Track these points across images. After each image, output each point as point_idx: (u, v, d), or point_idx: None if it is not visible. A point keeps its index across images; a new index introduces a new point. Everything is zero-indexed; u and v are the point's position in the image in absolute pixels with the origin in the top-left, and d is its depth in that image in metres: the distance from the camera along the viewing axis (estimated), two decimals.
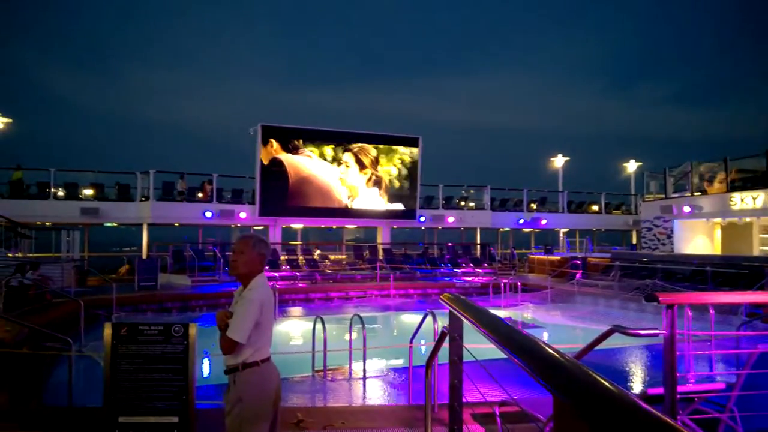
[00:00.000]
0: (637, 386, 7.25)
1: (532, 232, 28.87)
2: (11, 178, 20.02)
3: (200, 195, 22.12)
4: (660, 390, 3.30)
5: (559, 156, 30.47)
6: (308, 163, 22.06)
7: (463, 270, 21.46)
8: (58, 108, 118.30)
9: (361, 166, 22.95)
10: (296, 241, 24.47)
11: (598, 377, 1.00)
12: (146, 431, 4.10)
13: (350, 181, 22.76)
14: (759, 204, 18.20)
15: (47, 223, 20.82)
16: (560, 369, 1.06)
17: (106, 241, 26.48)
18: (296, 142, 21.77)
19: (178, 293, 15.35)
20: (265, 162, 21.27)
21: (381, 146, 23.32)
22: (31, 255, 18.03)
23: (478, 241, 26.34)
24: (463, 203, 26.92)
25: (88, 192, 21.18)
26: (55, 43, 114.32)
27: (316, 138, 22.30)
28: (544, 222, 27.26)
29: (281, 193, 21.55)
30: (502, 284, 16.18)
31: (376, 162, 23.22)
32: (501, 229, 27.78)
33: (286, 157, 21.59)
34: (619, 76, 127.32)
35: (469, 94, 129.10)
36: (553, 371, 1.08)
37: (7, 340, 7.04)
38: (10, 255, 15.63)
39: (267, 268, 18.47)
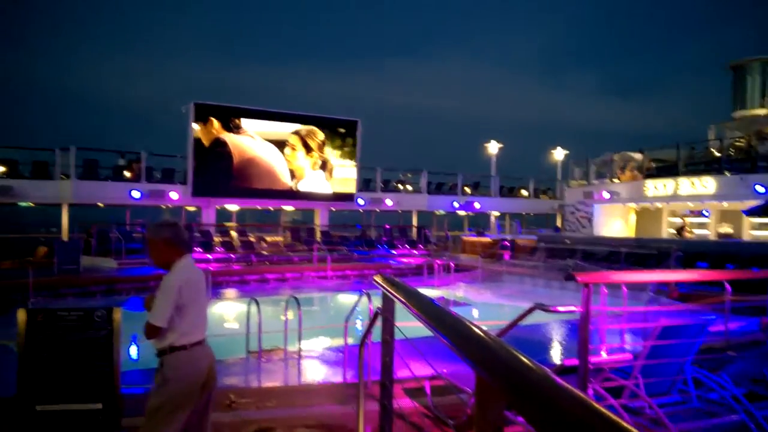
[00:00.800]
0: (556, 358, 7.79)
1: (465, 214, 29.72)
2: None
3: (127, 174, 21.12)
4: (575, 361, 3.62)
5: (493, 142, 31.36)
6: (252, 144, 21.57)
7: (399, 251, 21.87)
8: None
9: (308, 149, 22.73)
10: (231, 222, 23.96)
11: (512, 351, 1.10)
12: (68, 419, 3.98)
13: (297, 164, 22.51)
14: (669, 191, 19.65)
15: None
16: (478, 344, 1.20)
17: (21, 222, 24.78)
18: (237, 122, 21.19)
19: (102, 276, 14.74)
20: (206, 141, 20.63)
21: (326, 130, 23.17)
22: None
23: (415, 224, 26.85)
24: (400, 186, 27.29)
25: (0, 169, 19.70)
26: None
27: (253, 117, 21.82)
28: (477, 205, 28.13)
29: (221, 174, 20.98)
30: (436, 265, 16.66)
31: (322, 145, 23.06)
32: (436, 212, 28.42)
33: (229, 138, 21.01)
34: (550, 65, 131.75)
35: (407, 78, 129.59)
36: (471, 347, 1.21)
37: None
38: None
39: (200, 249, 18.29)
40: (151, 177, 21.27)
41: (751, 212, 14.92)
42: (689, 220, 21.16)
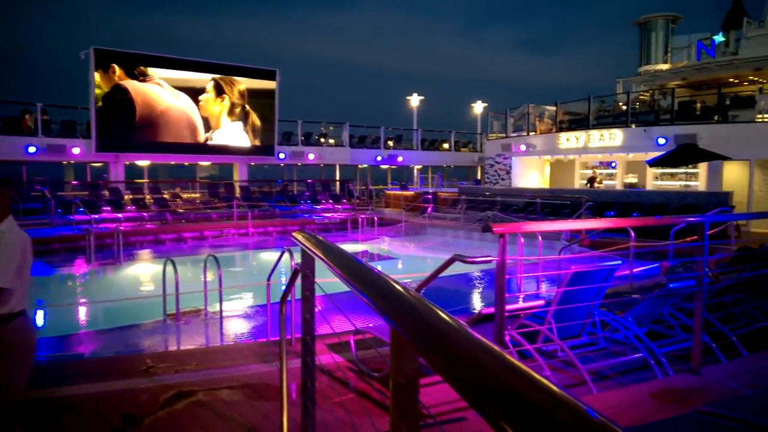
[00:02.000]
0: (475, 308, 8.09)
1: (389, 168, 29.85)
2: None
3: (22, 127, 19.18)
4: (492, 310, 3.73)
5: (415, 95, 31.39)
6: (161, 93, 20.15)
7: (322, 206, 21.68)
8: None
9: (219, 92, 21.54)
10: (142, 179, 22.61)
11: (422, 303, 1.09)
12: None
13: (212, 113, 21.36)
14: (581, 143, 20.64)
15: None
16: (389, 297, 1.16)
17: None
18: (143, 69, 19.66)
19: None
20: (107, 90, 19.05)
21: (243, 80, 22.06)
22: None
23: (338, 178, 26.64)
24: (322, 140, 26.82)
25: None
26: None
27: (161, 66, 20.36)
28: (400, 159, 28.28)
29: (126, 125, 19.54)
30: (360, 219, 16.69)
31: (242, 95, 21.99)
32: (359, 166, 28.32)
33: (132, 85, 19.47)
34: (469, 19, 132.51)
35: (327, 29, 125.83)
36: (384, 300, 1.17)
37: None
38: None
39: (108, 208, 17.18)
40: (50, 130, 19.51)
41: (653, 163, 15.99)
42: (599, 171, 22.43)
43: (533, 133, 23.52)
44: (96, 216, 15.69)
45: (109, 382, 4.30)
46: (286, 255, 6.55)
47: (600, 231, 11.42)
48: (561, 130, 22.00)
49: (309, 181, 25.72)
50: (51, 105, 20.09)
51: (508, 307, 3.92)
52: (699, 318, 4.01)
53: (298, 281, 2.66)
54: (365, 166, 28.45)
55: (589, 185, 21.25)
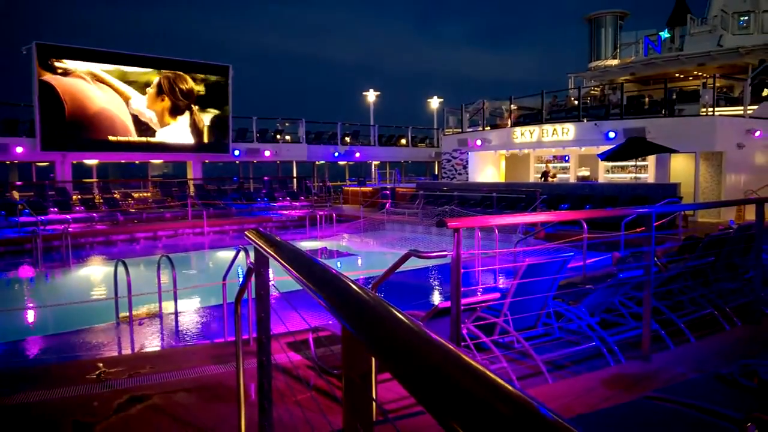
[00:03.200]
0: (435, 301, 8.18)
1: (346, 164, 29.77)
2: None
3: None
4: (449, 303, 3.76)
5: (371, 91, 31.38)
6: (86, 88, 19.31)
7: (280, 204, 21.42)
8: None
9: (162, 89, 20.90)
10: (91, 178, 21.78)
11: (371, 299, 1.08)
12: None
13: (159, 111, 20.73)
14: (534, 138, 21.10)
15: None
16: (339, 294, 1.15)
17: None
18: (63, 62, 18.76)
19: None
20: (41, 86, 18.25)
21: (194, 75, 21.48)
22: None
23: (295, 175, 26.38)
24: (278, 136, 26.48)
25: None
26: None
27: (106, 62, 19.63)
28: (357, 155, 28.23)
29: (62, 123, 18.72)
30: (318, 216, 16.58)
31: (190, 92, 21.40)
32: (317, 162, 28.13)
33: (55, 80, 18.60)
34: (425, 14, 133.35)
35: (281, 23, 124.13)
36: (334, 297, 1.17)
37: None
38: None
39: (55, 209, 16.49)
40: None
41: (604, 157, 16.52)
42: (553, 165, 22.98)
43: (488, 127, 23.90)
44: (42, 217, 15.02)
45: (59, 388, 4.13)
46: (242, 254, 6.44)
47: (554, 223, 11.73)
48: (515, 124, 22.43)
49: (266, 178, 25.36)
50: None
51: (465, 300, 3.97)
52: (648, 306, 4.16)
53: (254, 280, 2.62)
54: (323, 162, 28.28)
55: (543, 179, 21.76)
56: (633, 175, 20.39)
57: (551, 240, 11.17)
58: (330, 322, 5.59)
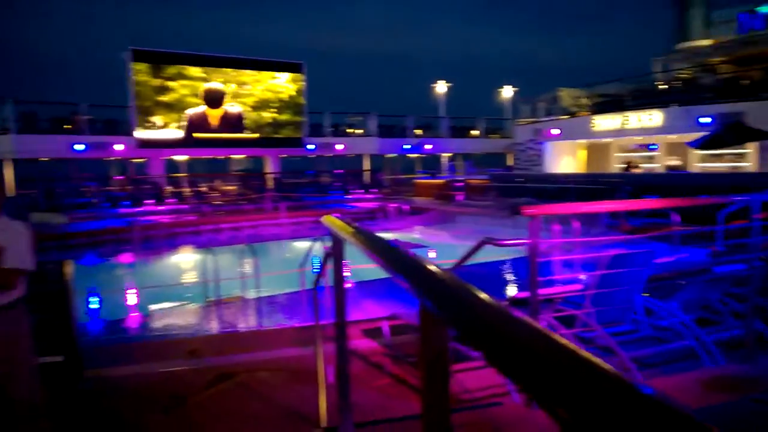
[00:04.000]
0: (509, 292, 8.05)
1: (417, 157, 29.74)
2: None
3: (69, 126, 19.94)
4: (526, 294, 3.70)
5: (441, 82, 31.09)
6: (175, 89, 20.56)
7: (352, 196, 21.80)
8: None
9: (240, 90, 21.85)
10: (180, 173, 23.20)
11: (453, 279, 1.09)
12: None
13: (242, 110, 21.75)
14: (616, 126, 20.11)
15: None
16: (417, 271, 1.17)
17: None
18: (154, 65, 19.99)
19: (54, 232, 14.09)
20: (149, 89, 19.66)
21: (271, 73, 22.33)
22: None
23: (367, 168, 26.71)
24: (350, 130, 26.90)
25: None
26: None
27: (194, 64, 20.76)
28: (428, 147, 28.13)
29: (155, 123, 20.07)
30: (390, 208, 16.72)
31: (268, 92, 22.30)
32: (388, 155, 28.30)
33: (149, 82, 19.96)
34: (496, 1, 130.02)
35: (349, 20, 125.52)
36: (412, 274, 1.19)
37: None
38: None
39: (151, 202, 17.73)
40: (94, 129, 20.20)
41: (696, 144, 15.42)
42: (638, 154, 21.82)
43: (565, 116, 23.04)
44: (140, 209, 16.24)
45: (157, 363, 4.49)
46: (318, 243, 6.65)
47: (641, 215, 11.14)
48: (595, 112, 21.47)
49: (339, 171, 25.87)
50: (95, 105, 20.82)
51: (543, 291, 3.88)
52: (751, 304, 3.85)
53: (330, 266, 2.72)
54: (394, 155, 28.41)
55: (626, 169, 20.72)
56: (731, 164, 18.90)
57: (637, 233, 10.64)
58: (404, 311, 5.66)
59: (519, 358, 0.73)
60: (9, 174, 18.80)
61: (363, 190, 22.61)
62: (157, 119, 20.07)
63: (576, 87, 23.92)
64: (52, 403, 2.97)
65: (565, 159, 23.70)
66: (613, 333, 4.06)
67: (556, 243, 7.23)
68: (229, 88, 21.59)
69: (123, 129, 20.61)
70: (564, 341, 0.69)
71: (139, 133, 19.79)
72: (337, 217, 2.31)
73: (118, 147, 19.96)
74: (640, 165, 21.40)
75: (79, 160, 20.28)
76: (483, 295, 1.00)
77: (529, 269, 3.51)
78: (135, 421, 3.48)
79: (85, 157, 19.84)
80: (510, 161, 30.52)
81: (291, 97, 22.95)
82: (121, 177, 22.10)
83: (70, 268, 4.31)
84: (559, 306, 4.25)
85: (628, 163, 21.12)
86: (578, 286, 4.92)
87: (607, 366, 0.62)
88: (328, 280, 3.41)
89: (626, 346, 3.97)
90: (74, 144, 19.19)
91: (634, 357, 3.97)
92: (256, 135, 22.42)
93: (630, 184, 15.58)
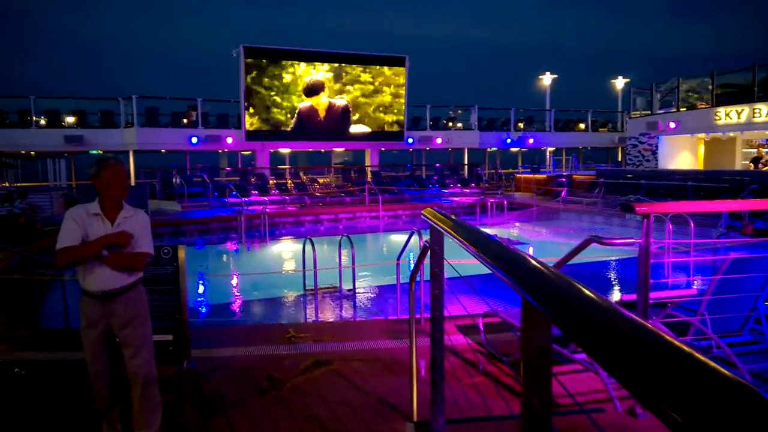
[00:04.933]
0: (615, 295, 7.58)
1: (519, 151, 28.89)
2: None
3: (185, 121, 21.63)
4: (634, 296, 3.45)
5: (547, 74, 29.92)
6: (283, 84, 21.51)
7: (450, 190, 21.63)
8: (35, 33, 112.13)
9: (344, 84, 22.41)
10: (284, 165, 24.32)
11: (558, 274, 1.04)
12: None
13: (335, 102, 22.36)
14: (743, 119, 18.22)
15: (31, 153, 20.42)
16: (520, 267, 1.12)
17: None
18: (263, 62, 20.98)
19: (169, 219, 15.39)
20: (256, 85, 20.85)
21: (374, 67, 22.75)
22: (18, 184, 17.82)
23: (466, 162, 26.37)
24: (450, 124, 26.66)
25: (71, 119, 20.64)
26: None
27: (300, 59, 21.61)
28: (531, 141, 27.22)
29: (263, 117, 21.18)
30: (489, 203, 16.39)
31: (371, 86, 22.76)
32: (488, 149, 27.75)
33: (258, 78, 21.04)
34: None
35: (452, 10, 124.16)
36: (515, 270, 1.13)
37: (1, 268, 7.13)
38: None
39: (255, 192, 18.78)
40: (207, 123, 21.73)
41: None
42: (767, 150, 19.65)
43: (684, 108, 21.22)
44: (246, 199, 17.25)
45: (256, 346, 4.73)
46: (415, 236, 6.66)
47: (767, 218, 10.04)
48: (719, 104, 19.57)
49: (437, 165, 25.77)
50: (209, 99, 22.33)
51: (654, 294, 3.61)
52: None
53: (427, 261, 2.70)
54: (494, 149, 27.79)
55: (754, 166, 18.72)
56: None
57: (762, 236, 9.59)
58: (500, 309, 5.51)
59: (632, 360, 0.67)
60: (131, 164, 20.77)
61: (461, 185, 22.34)
62: (266, 112, 21.14)
63: (698, 77, 21.94)
64: (162, 380, 3.21)
65: (683, 155, 21.88)
66: (731, 343, 3.70)
67: (669, 244, 6.67)
68: (335, 82, 22.21)
69: (233, 122, 21.97)
70: (682, 345, 0.63)
71: (248, 126, 20.96)
72: (436, 210, 2.29)
73: (229, 140, 21.32)
74: None
75: (193, 152, 21.93)
76: (591, 293, 0.94)
77: (638, 271, 3.27)
78: (235, 400, 3.69)
79: (199, 149, 21.41)
80: (620, 156, 28.72)
81: (394, 90, 23.18)
82: (229, 168, 23.60)
83: (183, 253, 4.63)
84: (670, 311, 3.94)
85: (757, 159, 19.06)
86: (693, 291, 4.53)
87: (732, 374, 0.57)
88: (425, 273, 3.40)
89: (745, 359, 3.60)
90: (191, 137, 20.77)
91: (753, 371, 3.59)
92: (361, 129, 22.89)
93: (757, 182, 14.07)
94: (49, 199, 14.56)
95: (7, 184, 16.71)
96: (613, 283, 8.59)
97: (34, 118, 19.69)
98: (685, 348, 0.69)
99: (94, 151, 20.71)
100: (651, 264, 3.25)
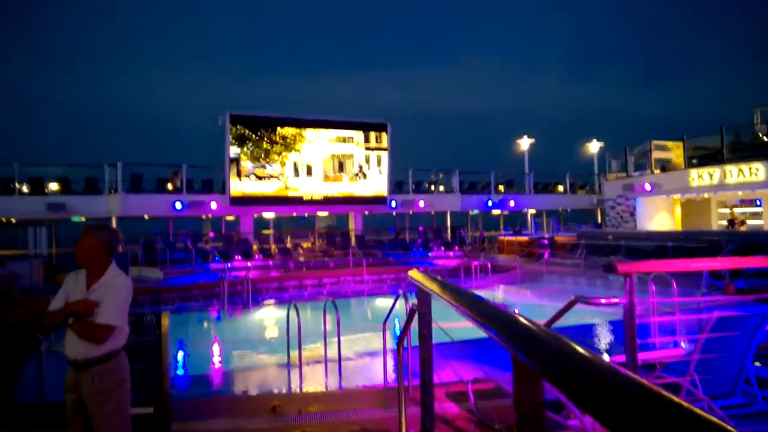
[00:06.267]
0: (603, 357, 7.51)
1: (501, 214, 29.30)
2: None
3: (169, 186, 21.67)
4: (622, 358, 3.44)
5: (525, 138, 30.90)
6: (266, 149, 21.91)
7: (434, 253, 21.70)
8: (20, 102, 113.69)
9: (329, 149, 22.87)
10: (268, 229, 24.30)
11: (561, 338, 1.05)
12: None
13: (319, 167, 22.72)
14: (715, 180, 18.86)
15: (12, 220, 20.16)
16: (511, 325, 1.13)
17: (74, 237, 25.73)
18: (247, 129, 21.45)
19: (149, 286, 15.11)
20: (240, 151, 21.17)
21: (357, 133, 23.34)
22: None
23: (449, 225, 26.63)
24: (432, 187, 27.11)
25: (54, 187, 20.56)
26: (12, 36, 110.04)
27: (285, 125, 22.12)
28: (512, 204, 27.70)
29: (246, 183, 21.38)
30: (473, 266, 16.43)
31: (355, 152, 23.25)
32: (470, 212, 28.12)
33: (242, 146, 21.46)
34: (581, 58, 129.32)
35: (435, 81, 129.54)
36: (506, 328, 1.15)
37: None
38: None
39: (239, 258, 18.62)
40: (191, 188, 21.81)
41: None
42: (741, 210, 20.23)
43: (658, 170, 21.94)
44: (229, 264, 17.07)
45: (240, 419, 4.56)
46: (401, 300, 6.62)
47: (748, 276, 10.20)
48: (692, 166, 20.31)
49: (420, 228, 25.95)
50: (193, 165, 22.48)
51: (642, 355, 3.61)
52: None
53: (414, 325, 2.68)
54: (476, 212, 28.17)
55: (729, 227, 19.21)
56: None
57: (744, 295, 9.69)
58: (489, 374, 5.43)
59: (634, 418, 0.68)
60: None
61: (445, 247, 22.45)
62: (250, 178, 21.33)
63: (670, 140, 22.86)
64: None
65: (660, 215, 22.40)
66: (723, 406, 3.66)
67: (653, 303, 6.71)
68: (318, 147, 22.64)
69: (217, 188, 22.08)
70: (687, 404, 0.64)
71: (233, 191, 21.08)
72: (422, 271, 2.31)
73: (213, 205, 21.34)
74: (745, 222, 19.76)
75: (177, 218, 21.83)
76: (583, 350, 0.95)
77: (624, 331, 3.28)
78: None
79: (183, 215, 21.35)
80: (599, 218, 29.28)
81: (376, 155, 23.67)
82: (212, 234, 23.48)
83: (167, 320, 4.54)
84: (659, 373, 3.92)
85: (731, 220, 19.59)
86: (681, 351, 4.53)
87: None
88: (413, 339, 3.36)
89: (739, 422, 3.56)
90: (174, 202, 20.76)
91: None
92: (342, 193, 23.14)
93: (735, 242, 14.39)
94: (28, 267, 14.26)
95: None
96: (600, 344, 8.54)
97: (17, 185, 19.60)
98: (694, 409, 0.68)
99: (77, 218, 20.50)
100: (637, 324, 3.27)
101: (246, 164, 21.34)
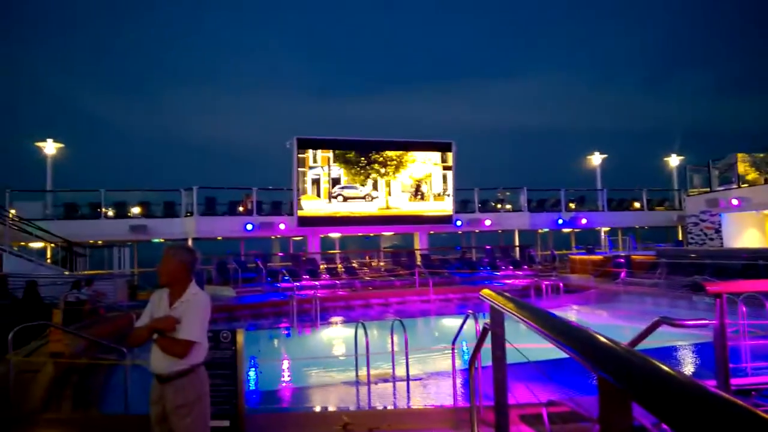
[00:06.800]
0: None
1: (572, 232, 28.32)
2: None
3: (241, 208, 22.62)
4: (711, 383, 3.21)
5: (596, 153, 29.88)
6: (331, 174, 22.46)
7: (502, 273, 21.22)
8: (105, 132, 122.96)
9: (395, 169, 23.10)
10: (335, 249, 24.72)
11: (655, 362, 0.99)
12: None
13: (386, 187, 22.94)
14: None
15: (99, 242, 21.70)
16: (599, 348, 1.08)
17: (154, 256, 27.35)
18: (312, 151, 22.08)
19: (223, 304, 15.69)
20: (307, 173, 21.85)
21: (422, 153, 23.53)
22: (85, 272, 18.79)
23: (517, 243, 26.01)
24: (499, 205, 26.66)
25: (136, 210, 22.01)
26: (97, 71, 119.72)
27: (350, 148, 22.57)
28: (583, 221, 26.71)
29: (313, 204, 21.97)
30: (544, 286, 15.92)
31: (421, 171, 23.50)
32: (540, 231, 27.36)
33: (308, 168, 22.14)
34: (655, 68, 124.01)
35: (502, 97, 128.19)
36: (592, 350, 1.10)
37: (67, 353, 7.38)
38: (67, 273, 16.35)
39: (307, 277, 19.03)
40: (261, 210, 22.64)
41: None
42: None
43: (746, 184, 20.51)
44: (297, 283, 17.47)
45: None
46: (470, 320, 6.50)
47: None
48: None
49: (487, 247, 25.49)
50: (263, 188, 23.37)
51: (735, 381, 3.34)
52: None
53: (486, 345, 2.62)
54: (546, 230, 27.38)
55: None
56: None
57: None
58: (564, 397, 5.20)
59: None
60: None
61: (513, 267, 21.92)
62: (316, 199, 21.86)
63: (755, 151, 21.36)
64: None
65: (749, 231, 20.85)
66: None
67: (744, 325, 6.21)
68: (383, 169, 22.91)
69: (286, 209, 22.79)
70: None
71: (301, 213, 21.66)
72: (495, 290, 2.26)
73: (281, 226, 22.02)
74: None
75: (247, 238, 22.71)
76: (673, 371, 0.90)
77: (715, 354, 3.06)
78: None
79: (253, 235, 22.19)
80: (680, 235, 27.68)
81: (442, 175, 23.65)
82: (281, 254, 24.18)
83: (241, 337, 4.70)
84: (755, 400, 3.62)
85: None
86: None
87: None
88: (483, 360, 3.28)
89: None
90: (246, 224, 21.61)
91: None
92: (409, 212, 23.23)
93: None
94: (113, 286, 15.23)
95: (68, 272, 17.65)
96: (685, 368, 7.99)
97: (103, 209, 21.11)
98: None
99: (157, 240, 21.76)
100: (728, 348, 3.04)
101: (326, 185, 22.00)
